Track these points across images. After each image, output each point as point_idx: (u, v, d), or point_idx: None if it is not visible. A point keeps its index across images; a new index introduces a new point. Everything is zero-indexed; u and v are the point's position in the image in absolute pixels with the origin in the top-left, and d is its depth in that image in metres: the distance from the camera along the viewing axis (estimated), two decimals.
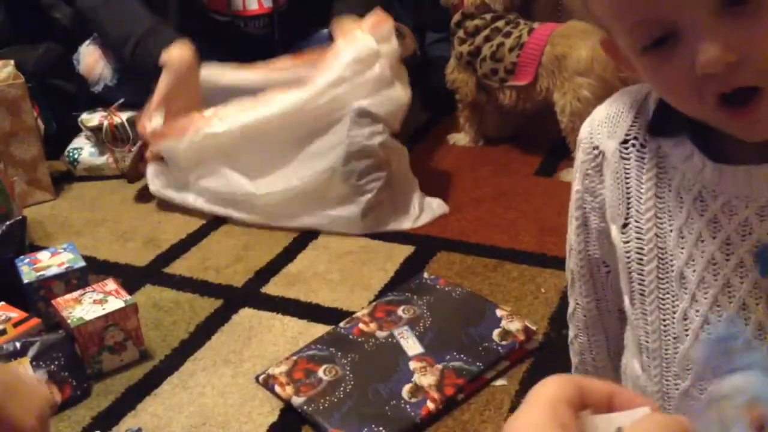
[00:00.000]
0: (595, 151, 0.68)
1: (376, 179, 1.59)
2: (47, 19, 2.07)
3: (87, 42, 1.96)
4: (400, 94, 1.64)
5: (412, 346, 1.20)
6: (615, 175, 0.67)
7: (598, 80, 1.68)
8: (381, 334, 1.23)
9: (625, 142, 0.66)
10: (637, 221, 0.66)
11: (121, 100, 1.93)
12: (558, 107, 1.74)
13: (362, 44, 1.59)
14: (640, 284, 0.68)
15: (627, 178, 0.66)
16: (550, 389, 0.42)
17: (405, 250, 1.54)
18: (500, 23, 1.88)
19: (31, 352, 1.13)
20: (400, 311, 1.29)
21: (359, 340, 1.23)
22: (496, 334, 1.22)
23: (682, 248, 0.64)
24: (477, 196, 1.75)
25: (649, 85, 0.65)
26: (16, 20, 2.03)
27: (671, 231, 0.64)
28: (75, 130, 1.95)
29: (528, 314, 1.30)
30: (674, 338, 0.67)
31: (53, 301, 1.23)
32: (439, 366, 1.16)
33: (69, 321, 1.17)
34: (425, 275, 1.40)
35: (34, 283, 1.29)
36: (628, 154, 0.66)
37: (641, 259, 0.67)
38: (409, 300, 1.31)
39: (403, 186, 1.67)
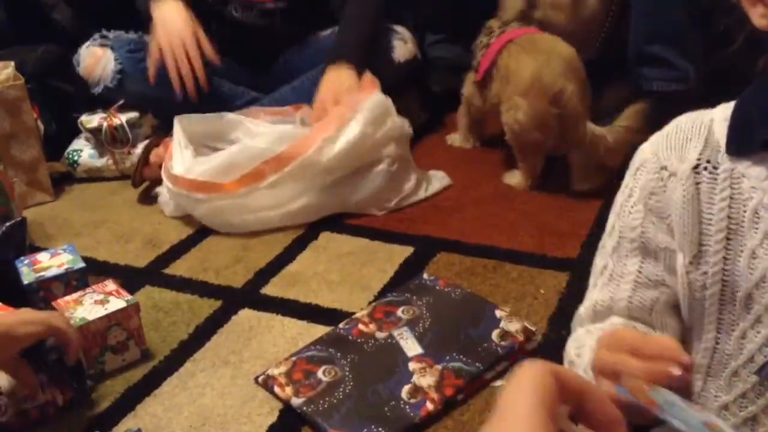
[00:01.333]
0: (665, 172, 0.67)
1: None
2: (47, 20, 2.07)
3: (87, 43, 1.96)
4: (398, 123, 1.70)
5: (411, 346, 1.20)
6: (686, 200, 0.66)
7: (532, 107, 1.66)
8: (380, 334, 1.24)
9: (697, 166, 0.66)
10: (706, 246, 0.65)
11: (121, 102, 1.93)
12: (503, 119, 1.74)
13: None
14: (699, 309, 0.67)
15: (699, 203, 0.66)
16: (533, 378, 0.43)
17: (404, 251, 1.55)
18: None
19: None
20: (399, 312, 1.29)
21: (359, 340, 1.23)
22: (495, 334, 1.22)
23: (752, 270, 0.63)
24: (476, 197, 1.75)
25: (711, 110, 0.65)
26: (16, 21, 2.03)
27: (742, 252, 0.64)
28: (75, 132, 1.95)
29: (527, 315, 1.30)
30: (727, 355, 0.66)
31: (54, 303, 1.23)
32: (439, 367, 1.16)
33: (71, 322, 1.18)
34: (425, 276, 1.40)
35: (33, 284, 1.29)
36: (700, 178, 0.66)
37: (704, 285, 0.66)
38: (408, 301, 1.32)
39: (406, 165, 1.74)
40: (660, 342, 0.63)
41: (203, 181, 1.61)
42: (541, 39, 1.73)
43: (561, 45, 1.69)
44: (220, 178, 1.61)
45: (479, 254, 1.51)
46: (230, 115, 1.81)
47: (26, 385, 1.08)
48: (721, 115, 0.67)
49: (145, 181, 1.83)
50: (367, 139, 1.64)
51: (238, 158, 1.61)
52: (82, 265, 1.34)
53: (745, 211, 0.63)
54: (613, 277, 0.73)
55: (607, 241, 0.75)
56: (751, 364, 0.65)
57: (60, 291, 1.30)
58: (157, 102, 1.96)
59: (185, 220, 1.70)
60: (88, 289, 1.26)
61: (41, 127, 1.86)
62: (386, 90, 1.74)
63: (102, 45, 1.95)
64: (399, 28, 2.03)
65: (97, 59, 1.94)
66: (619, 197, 0.74)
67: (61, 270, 1.31)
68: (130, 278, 1.48)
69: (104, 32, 1.98)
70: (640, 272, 0.71)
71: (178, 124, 1.70)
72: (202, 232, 1.66)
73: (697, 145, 0.66)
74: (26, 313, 1.08)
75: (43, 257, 1.35)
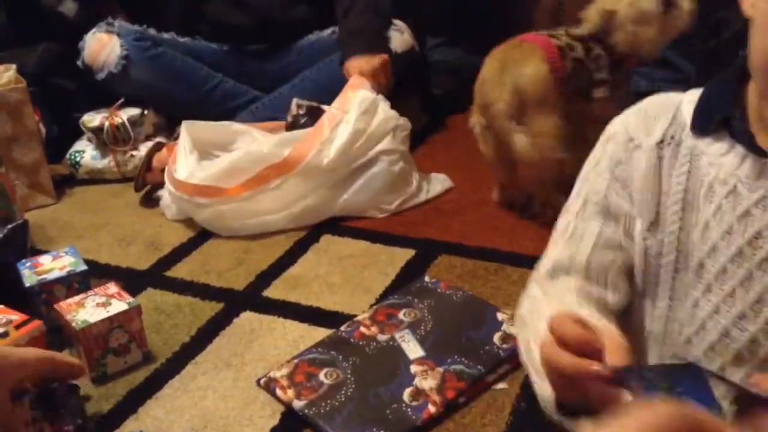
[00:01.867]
0: (631, 144, 0.72)
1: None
2: (46, 18, 2.07)
3: (93, 30, 1.98)
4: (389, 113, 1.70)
5: (413, 349, 1.21)
6: (648, 172, 0.71)
7: (482, 126, 1.61)
8: (382, 337, 1.24)
9: (662, 141, 0.71)
10: (663, 215, 0.70)
11: (122, 100, 1.94)
12: None
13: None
14: (654, 276, 0.71)
15: (660, 175, 0.70)
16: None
17: (406, 254, 1.55)
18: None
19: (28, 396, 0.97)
20: (401, 314, 1.29)
21: (360, 343, 1.23)
22: (497, 337, 1.22)
23: (705, 240, 0.67)
24: (478, 200, 1.75)
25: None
26: (16, 21, 2.03)
27: (696, 223, 0.68)
28: (76, 134, 1.95)
29: None
30: (680, 323, 0.70)
31: (56, 306, 1.23)
32: (440, 369, 1.16)
33: (73, 324, 1.18)
34: (426, 278, 1.40)
35: (35, 287, 1.30)
36: (662, 153, 0.71)
37: (660, 252, 0.70)
38: (410, 303, 1.32)
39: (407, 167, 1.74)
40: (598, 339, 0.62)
41: (206, 186, 1.61)
42: (519, 49, 1.58)
43: (531, 62, 1.54)
44: (224, 183, 1.61)
45: (481, 257, 1.51)
46: (237, 125, 1.83)
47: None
48: (690, 98, 0.72)
49: (147, 185, 1.83)
50: (360, 135, 1.65)
51: (241, 163, 1.62)
52: (84, 267, 1.34)
53: (701, 186, 0.68)
54: (575, 236, 0.77)
55: (571, 205, 0.79)
56: (702, 331, 0.68)
57: (62, 293, 1.30)
58: (161, 93, 1.97)
59: (187, 223, 1.70)
60: (90, 292, 1.26)
61: (43, 129, 1.87)
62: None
63: (108, 32, 1.97)
64: (396, 21, 2.04)
65: (102, 45, 1.95)
66: (587, 165, 0.78)
67: (63, 273, 1.32)
68: (131, 281, 1.48)
69: (110, 20, 1.99)
70: (600, 234, 0.75)
71: (185, 129, 1.71)
72: (203, 235, 1.66)
73: (664, 122, 0.72)
74: (27, 352, 0.94)
75: (44, 260, 1.35)
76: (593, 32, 1.58)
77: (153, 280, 1.51)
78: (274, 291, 1.45)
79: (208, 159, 1.72)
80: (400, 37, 2.01)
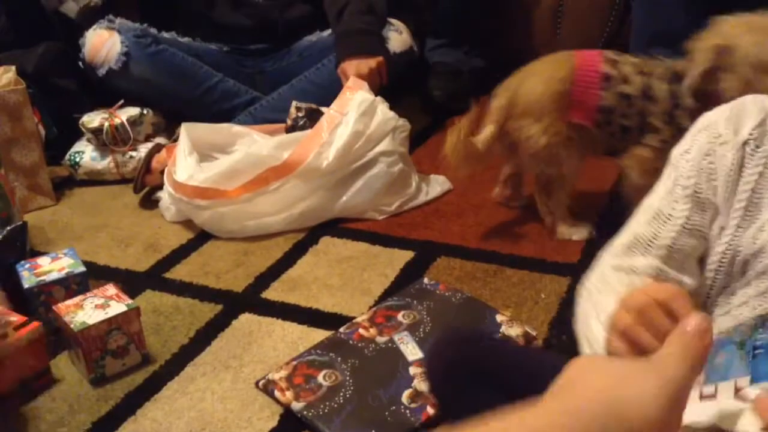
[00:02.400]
0: (719, 139, 0.75)
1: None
2: (47, 18, 2.07)
3: (94, 27, 1.99)
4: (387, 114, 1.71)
5: (412, 351, 1.20)
6: (732, 168, 0.74)
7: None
8: (381, 339, 1.24)
9: (747, 141, 0.74)
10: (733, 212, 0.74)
11: (121, 102, 1.94)
12: None
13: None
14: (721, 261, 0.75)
15: (740, 173, 0.74)
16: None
17: (405, 255, 1.55)
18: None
19: None
20: (400, 316, 1.29)
21: (359, 345, 1.23)
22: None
23: (755, 240, 0.71)
24: (477, 202, 1.75)
25: None
26: (17, 23, 2.03)
27: (753, 223, 0.72)
28: (76, 134, 1.95)
29: (528, 320, 1.30)
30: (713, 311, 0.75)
31: (54, 307, 1.23)
32: None
33: (72, 325, 1.18)
34: (425, 280, 1.40)
35: (34, 288, 1.30)
36: (745, 152, 0.74)
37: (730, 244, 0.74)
38: (409, 305, 1.32)
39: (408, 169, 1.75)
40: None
41: (206, 188, 1.61)
42: (553, 61, 1.52)
43: (544, 76, 1.48)
44: (224, 185, 1.61)
45: (480, 259, 1.51)
46: (236, 127, 1.83)
47: None
48: None
49: (146, 187, 1.83)
50: (360, 136, 1.65)
51: (241, 165, 1.62)
52: (82, 269, 1.34)
53: (767, 188, 0.72)
54: (660, 216, 0.79)
55: (659, 187, 0.81)
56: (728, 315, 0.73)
57: (61, 295, 1.30)
58: (160, 90, 1.98)
59: (185, 225, 1.70)
60: (88, 294, 1.26)
61: (42, 131, 1.87)
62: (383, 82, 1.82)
63: (109, 28, 1.97)
64: (394, 21, 2.04)
65: (103, 40, 1.96)
66: (676, 151, 0.80)
67: (62, 274, 1.32)
68: (130, 282, 1.48)
69: (111, 17, 2.00)
70: (688, 219, 0.77)
71: (185, 131, 1.71)
72: (202, 237, 1.66)
73: (752, 123, 0.75)
74: None
75: (43, 261, 1.35)
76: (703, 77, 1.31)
77: (152, 281, 1.51)
78: (273, 293, 1.45)
79: (208, 161, 1.72)
80: (398, 38, 2.01)
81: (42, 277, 1.31)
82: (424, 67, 2.28)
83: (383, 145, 1.68)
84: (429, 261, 1.52)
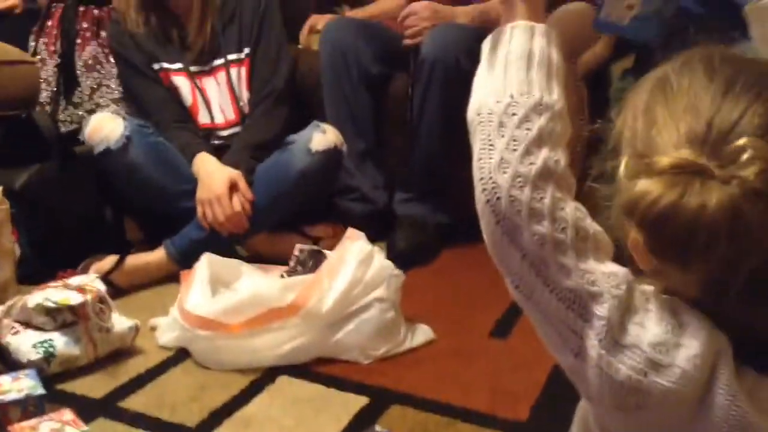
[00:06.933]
0: None
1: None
2: (44, 140, 2.12)
3: (98, 113, 2.14)
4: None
5: None
6: None
7: None
8: None
9: None
10: None
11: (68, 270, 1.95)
12: None
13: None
14: None
15: None
16: None
17: (360, 401, 1.57)
18: None
19: None
20: None
21: None
22: None
23: None
24: (434, 352, 1.78)
25: None
26: (10, 142, 2.09)
27: None
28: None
29: None
30: None
31: (9, 428, 1.23)
32: None
33: None
34: (377, 428, 1.42)
35: None
36: None
37: None
38: None
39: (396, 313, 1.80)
40: None
41: (210, 320, 1.67)
42: None
43: None
44: (227, 319, 1.67)
45: (433, 410, 1.54)
46: (245, 265, 1.93)
47: None
48: None
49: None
50: (358, 283, 1.73)
51: (247, 303, 1.70)
52: (41, 391, 1.35)
53: None
54: None
55: None
56: None
57: (16, 416, 1.30)
58: (147, 179, 2.08)
59: (147, 352, 1.72)
60: (44, 417, 1.26)
61: (17, 250, 1.89)
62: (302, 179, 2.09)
63: (115, 113, 2.13)
64: (324, 125, 2.19)
65: (108, 121, 2.09)
66: None
67: (21, 395, 1.32)
68: (84, 408, 1.47)
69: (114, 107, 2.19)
70: None
71: (205, 262, 1.81)
72: (162, 366, 1.67)
73: None
74: None
75: (3, 380, 1.36)
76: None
77: (106, 409, 1.51)
78: (225, 431, 1.46)
79: (217, 293, 1.80)
80: (321, 137, 2.14)
81: (1, 397, 1.31)
82: (391, 219, 2.38)
83: (378, 292, 1.75)
84: (382, 409, 1.54)
